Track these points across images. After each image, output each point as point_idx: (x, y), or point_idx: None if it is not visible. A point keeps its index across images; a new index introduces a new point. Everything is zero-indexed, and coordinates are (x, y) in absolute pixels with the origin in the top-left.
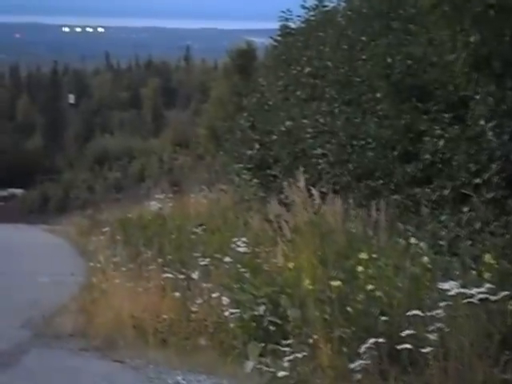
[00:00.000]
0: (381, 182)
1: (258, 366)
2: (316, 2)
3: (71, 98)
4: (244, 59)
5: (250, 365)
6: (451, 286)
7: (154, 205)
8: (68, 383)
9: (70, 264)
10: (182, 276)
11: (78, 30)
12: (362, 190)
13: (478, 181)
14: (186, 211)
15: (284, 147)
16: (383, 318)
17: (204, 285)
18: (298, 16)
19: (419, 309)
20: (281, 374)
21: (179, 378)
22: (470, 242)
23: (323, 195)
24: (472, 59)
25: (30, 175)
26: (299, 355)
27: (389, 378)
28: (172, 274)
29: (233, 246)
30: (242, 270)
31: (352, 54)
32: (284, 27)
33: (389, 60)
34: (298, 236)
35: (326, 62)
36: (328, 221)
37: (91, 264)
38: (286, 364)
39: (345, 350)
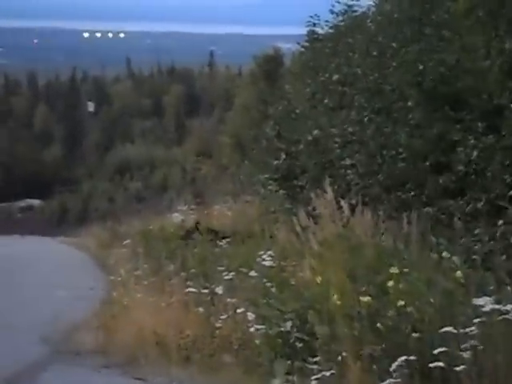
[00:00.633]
0: (412, 193)
1: None
2: (345, 7)
3: (91, 106)
4: (270, 65)
5: (276, 383)
6: (485, 302)
7: (176, 216)
8: None
9: (89, 277)
10: (205, 290)
11: (98, 35)
12: (393, 201)
13: None
14: (210, 223)
15: (311, 157)
16: (415, 334)
17: (229, 300)
18: (326, 21)
19: (452, 325)
20: None
21: None
22: (504, 257)
23: (352, 207)
24: (507, 66)
25: (48, 186)
26: (327, 373)
27: None
28: (195, 288)
29: (258, 259)
30: (268, 284)
31: (382, 60)
32: (312, 33)
33: (420, 67)
34: (326, 249)
35: (355, 68)
36: (357, 234)
37: (112, 277)
38: (313, 382)
39: (375, 367)
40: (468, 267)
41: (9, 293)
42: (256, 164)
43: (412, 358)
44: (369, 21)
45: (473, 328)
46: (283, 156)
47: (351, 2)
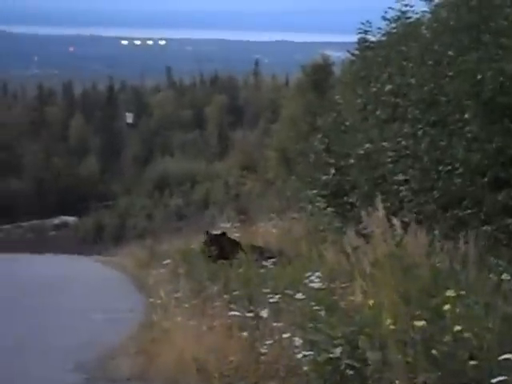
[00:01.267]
0: (469, 211)
1: None
2: (398, 14)
3: (129, 118)
4: (319, 75)
5: None
6: None
7: None
8: None
9: (127, 299)
10: (249, 314)
11: (137, 42)
12: (449, 220)
13: None
14: (255, 242)
15: (362, 172)
16: (472, 362)
17: (274, 324)
18: (379, 28)
19: None
20: None
21: None
22: None
23: (405, 226)
24: None
25: (83, 201)
26: None
27: None
28: (239, 311)
29: (306, 281)
30: (316, 307)
31: (437, 70)
32: (363, 40)
33: (478, 77)
34: (378, 270)
35: (408, 78)
36: (411, 254)
37: (151, 300)
38: None
39: None
40: None
41: (43, 317)
42: (303, 179)
43: None
44: (423, 28)
45: None
46: (332, 171)
47: (405, 8)
